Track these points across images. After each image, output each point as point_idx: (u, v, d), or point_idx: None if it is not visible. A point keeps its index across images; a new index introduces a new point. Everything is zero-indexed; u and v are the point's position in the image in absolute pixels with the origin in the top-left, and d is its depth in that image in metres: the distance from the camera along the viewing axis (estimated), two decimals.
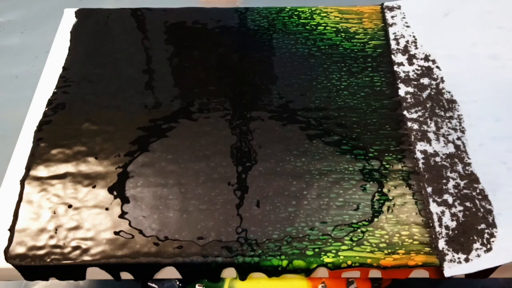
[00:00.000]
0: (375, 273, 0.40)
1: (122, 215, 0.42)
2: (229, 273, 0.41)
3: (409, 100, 0.49)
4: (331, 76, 0.52)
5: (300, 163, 0.45)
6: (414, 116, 0.48)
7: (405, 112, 0.48)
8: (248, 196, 0.43)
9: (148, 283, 0.44)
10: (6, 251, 0.40)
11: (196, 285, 0.43)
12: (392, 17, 0.57)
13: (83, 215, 0.42)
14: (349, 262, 0.39)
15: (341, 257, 0.40)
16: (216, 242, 0.40)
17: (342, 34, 0.56)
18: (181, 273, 0.40)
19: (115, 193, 0.43)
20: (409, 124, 0.47)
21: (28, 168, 0.45)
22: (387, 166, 0.45)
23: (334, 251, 0.40)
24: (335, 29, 0.56)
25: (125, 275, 0.40)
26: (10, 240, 0.41)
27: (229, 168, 0.45)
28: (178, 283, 0.43)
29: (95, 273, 0.40)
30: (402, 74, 0.51)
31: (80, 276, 0.40)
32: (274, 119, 0.48)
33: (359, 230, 0.41)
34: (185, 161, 0.45)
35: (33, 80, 0.53)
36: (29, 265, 0.40)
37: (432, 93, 0.49)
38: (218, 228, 0.41)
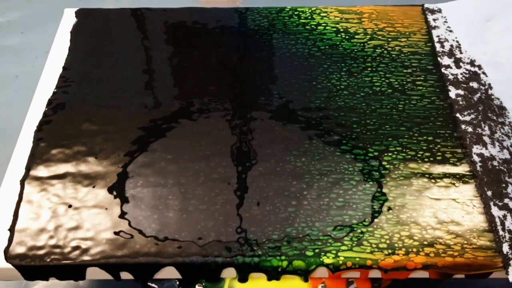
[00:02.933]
0: (375, 273, 0.40)
1: (122, 215, 0.42)
2: (229, 273, 0.41)
3: (460, 103, 0.48)
4: (331, 76, 0.52)
5: (300, 163, 0.45)
6: (467, 118, 0.47)
7: (457, 115, 0.47)
8: (248, 196, 0.43)
9: (148, 283, 0.44)
10: (6, 251, 0.40)
11: (196, 285, 0.43)
12: (434, 19, 0.56)
13: (83, 215, 0.42)
14: (349, 264, 0.39)
15: (341, 257, 0.40)
16: (216, 242, 0.40)
17: (342, 34, 0.56)
18: (181, 273, 0.40)
19: (115, 193, 0.43)
20: (463, 126, 0.46)
21: (28, 168, 0.45)
22: (387, 166, 0.45)
23: (334, 252, 0.40)
24: (335, 29, 0.56)
25: (125, 275, 0.40)
26: (10, 240, 0.41)
27: (229, 168, 0.45)
28: (178, 283, 0.43)
29: (95, 273, 0.40)
30: (450, 77, 0.50)
31: (80, 276, 0.40)
32: (274, 119, 0.48)
33: (358, 231, 0.41)
34: (185, 161, 0.45)
35: (33, 80, 0.53)
36: (29, 265, 0.40)
37: (483, 97, 0.48)
38: (218, 228, 0.41)
